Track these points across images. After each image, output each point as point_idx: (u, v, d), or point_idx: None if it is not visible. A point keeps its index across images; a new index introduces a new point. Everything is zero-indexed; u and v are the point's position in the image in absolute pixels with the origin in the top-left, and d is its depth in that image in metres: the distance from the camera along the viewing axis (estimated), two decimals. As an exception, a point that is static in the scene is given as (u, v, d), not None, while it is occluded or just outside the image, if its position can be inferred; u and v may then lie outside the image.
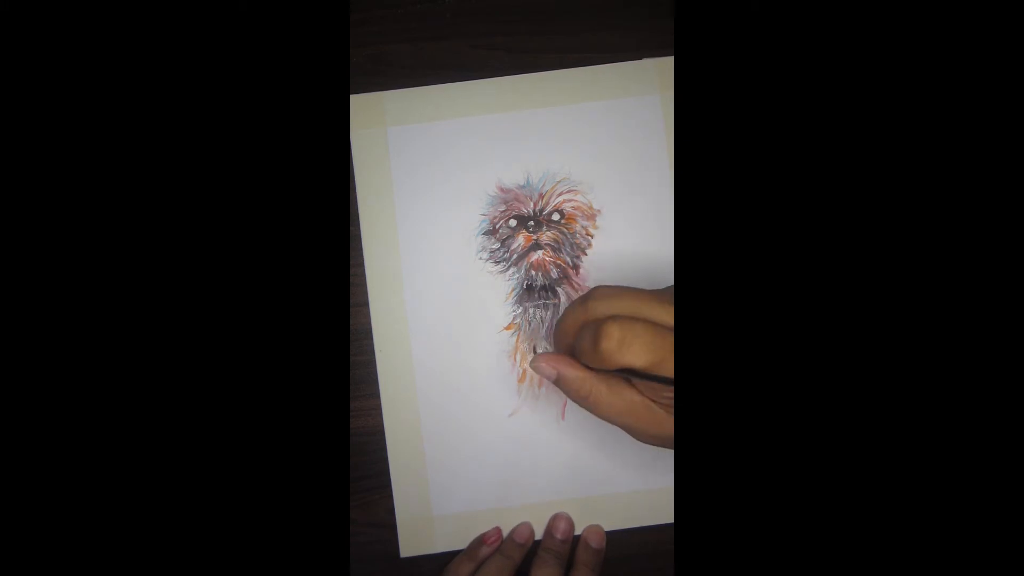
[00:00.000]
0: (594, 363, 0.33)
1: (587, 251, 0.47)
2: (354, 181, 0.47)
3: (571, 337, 0.35)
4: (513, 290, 0.47)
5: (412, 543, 0.47)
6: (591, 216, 0.47)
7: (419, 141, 0.47)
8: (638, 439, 0.35)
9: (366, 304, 0.47)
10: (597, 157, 0.47)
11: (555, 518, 0.46)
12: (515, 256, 0.47)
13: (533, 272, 0.47)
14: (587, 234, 0.47)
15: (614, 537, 0.47)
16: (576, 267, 0.47)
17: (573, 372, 0.35)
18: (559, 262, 0.47)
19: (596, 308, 0.33)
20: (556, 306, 0.47)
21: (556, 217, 0.47)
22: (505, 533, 0.47)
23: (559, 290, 0.47)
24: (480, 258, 0.47)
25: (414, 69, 0.48)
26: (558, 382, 0.36)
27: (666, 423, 0.34)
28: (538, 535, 0.47)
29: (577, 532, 0.46)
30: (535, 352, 0.46)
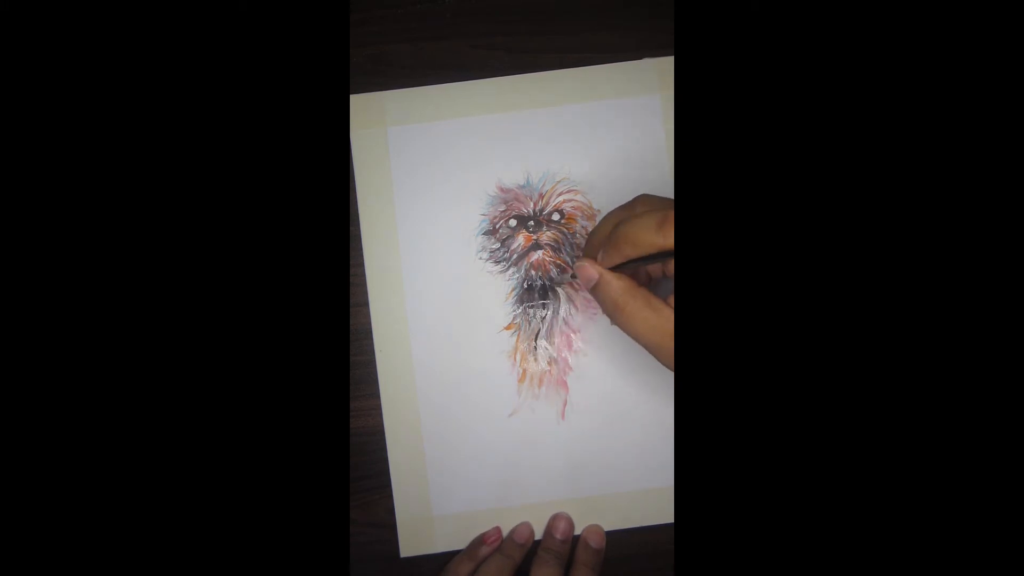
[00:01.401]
0: (647, 246, 0.32)
1: (587, 251, 0.47)
2: (354, 181, 0.47)
3: (608, 236, 0.35)
4: (513, 290, 0.47)
5: (412, 543, 0.47)
6: (591, 216, 0.47)
7: (419, 141, 0.47)
8: (667, 364, 0.34)
9: (366, 304, 0.47)
10: (597, 157, 0.47)
11: (555, 518, 0.46)
12: (515, 256, 0.47)
13: (533, 272, 0.47)
14: (587, 234, 0.47)
15: (614, 537, 0.47)
16: (576, 267, 0.47)
17: (616, 280, 0.34)
18: (559, 262, 0.47)
19: (645, 207, 0.34)
20: (556, 306, 0.47)
21: (556, 217, 0.47)
22: (505, 533, 0.47)
23: (559, 290, 0.47)
24: (480, 258, 0.47)
25: (414, 69, 0.48)
26: (596, 288, 0.35)
27: None
28: (538, 535, 0.47)
29: (577, 532, 0.46)
30: (571, 275, 0.46)
